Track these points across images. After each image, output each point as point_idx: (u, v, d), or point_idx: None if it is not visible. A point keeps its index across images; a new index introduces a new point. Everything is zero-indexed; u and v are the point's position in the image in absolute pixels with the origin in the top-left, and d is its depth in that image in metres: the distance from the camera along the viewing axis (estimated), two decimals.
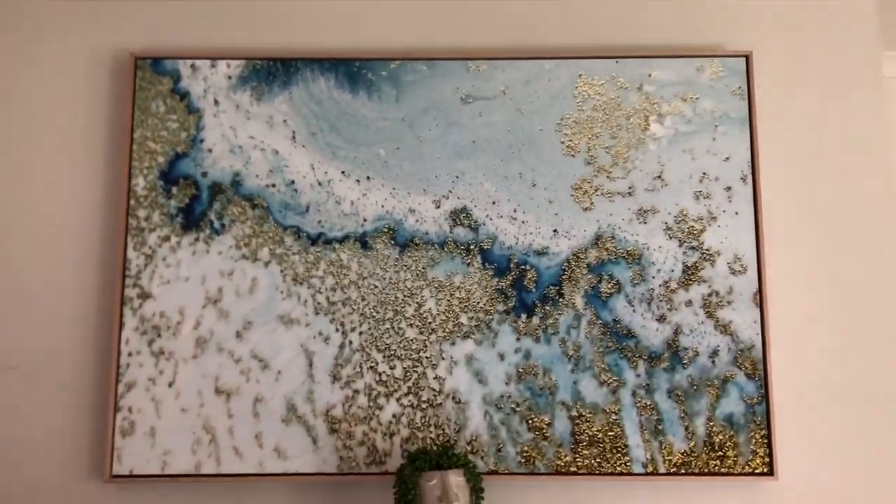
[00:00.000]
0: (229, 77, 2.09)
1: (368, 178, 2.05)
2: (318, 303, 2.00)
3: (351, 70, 2.09)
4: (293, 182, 2.05)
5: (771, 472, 1.90)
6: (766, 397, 1.93)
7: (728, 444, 1.92)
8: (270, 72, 2.09)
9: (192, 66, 2.09)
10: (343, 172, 2.05)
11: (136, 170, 2.04)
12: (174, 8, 2.15)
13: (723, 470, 1.91)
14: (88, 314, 2.01)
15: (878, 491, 1.94)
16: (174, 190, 2.04)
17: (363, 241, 2.02)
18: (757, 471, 1.91)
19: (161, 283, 2.00)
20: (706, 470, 1.91)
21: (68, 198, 2.06)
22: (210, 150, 2.06)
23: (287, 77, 2.09)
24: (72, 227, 2.05)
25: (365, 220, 2.03)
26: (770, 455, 1.91)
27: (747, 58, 2.07)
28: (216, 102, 2.07)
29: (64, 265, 2.03)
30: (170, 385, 1.97)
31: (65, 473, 1.96)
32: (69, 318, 2.01)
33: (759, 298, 1.97)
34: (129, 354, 1.97)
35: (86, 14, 2.15)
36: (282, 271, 2.01)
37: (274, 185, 2.04)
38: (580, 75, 2.08)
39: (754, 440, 1.92)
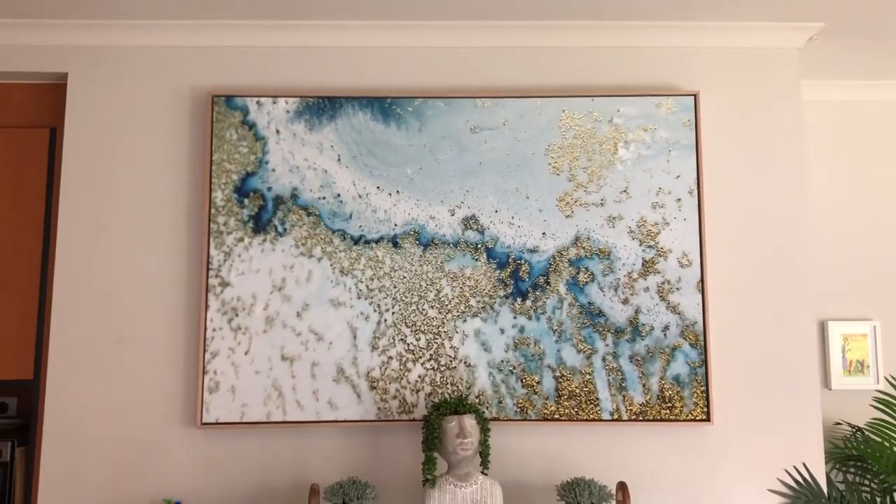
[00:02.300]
0: (287, 111, 2.64)
1: (398, 191, 2.61)
2: (360, 290, 2.56)
3: (384, 106, 2.64)
4: (339, 195, 2.60)
5: (708, 419, 2.50)
6: (705, 362, 2.52)
7: (675, 397, 2.51)
8: (320, 107, 2.64)
9: (258, 102, 2.64)
10: (378, 187, 2.61)
11: (216, 185, 2.60)
12: (242, 54, 2.69)
13: (671, 417, 2.50)
14: (181, 299, 2.57)
15: (779, 433, 2.52)
16: (246, 201, 2.60)
17: (394, 242, 2.58)
18: (697, 418, 2.50)
19: (237, 274, 2.56)
20: (658, 417, 2.50)
21: (162, 208, 2.62)
22: (273, 170, 2.61)
23: (333, 111, 2.64)
24: (166, 231, 2.60)
25: (395, 224, 2.59)
26: (707, 406, 2.50)
27: (695, 96, 2.63)
28: (277, 132, 2.63)
29: (161, 261, 2.59)
30: (245, 353, 2.53)
31: (166, 422, 2.52)
32: (166, 303, 2.57)
33: (702, 286, 2.55)
34: (213, 330, 2.54)
35: (170, 60, 2.68)
36: (331, 265, 2.57)
37: (324, 198, 2.60)
38: (563, 110, 2.64)
39: (696, 395, 2.51)
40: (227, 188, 2.60)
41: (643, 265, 2.57)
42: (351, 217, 2.59)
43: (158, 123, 2.66)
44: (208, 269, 2.56)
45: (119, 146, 2.65)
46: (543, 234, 2.59)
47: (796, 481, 2.49)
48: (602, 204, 2.60)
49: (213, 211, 2.59)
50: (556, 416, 2.51)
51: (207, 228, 2.57)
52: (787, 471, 2.50)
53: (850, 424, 2.87)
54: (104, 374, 2.53)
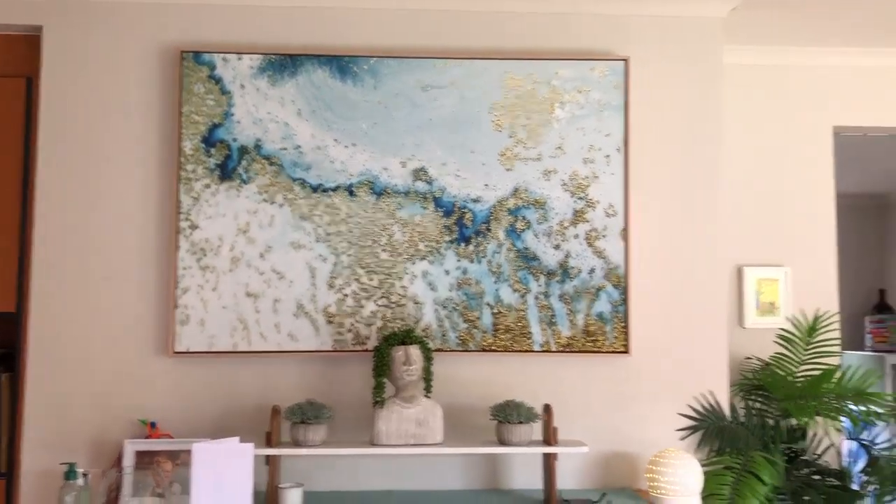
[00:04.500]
0: (251, 67, 2.84)
1: (354, 144, 2.85)
2: (318, 234, 2.82)
3: (342, 64, 2.86)
4: (299, 146, 2.84)
5: (627, 351, 2.82)
6: (625, 301, 2.83)
7: (599, 332, 2.83)
8: (282, 64, 2.85)
9: (224, 58, 2.84)
10: (335, 140, 2.84)
11: (185, 135, 2.81)
12: (210, 12, 2.87)
13: (594, 349, 2.82)
14: (154, 239, 2.81)
15: (690, 365, 2.87)
16: (213, 151, 2.82)
17: (350, 190, 2.83)
18: (617, 350, 2.83)
19: (205, 217, 2.80)
20: (583, 349, 2.82)
21: (135, 156, 2.83)
22: (238, 122, 2.83)
23: (294, 68, 2.85)
24: (140, 177, 2.82)
25: (351, 175, 2.84)
26: (626, 340, 2.82)
27: (626, 61, 2.89)
28: (242, 86, 2.84)
29: (136, 205, 2.82)
30: (213, 290, 2.79)
31: (141, 351, 2.78)
32: (141, 242, 2.81)
33: (625, 234, 2.85)
34: (184, 268, 2.78)
35: (142, 15, 2.87)
36: (292, 211, 2.82)
37: (285, 149, 2.83)
38: (506, 72, 2.88)
39: (616, 330, 2.83)
40: (196, 138, 2.82)
41: (574, 215, 2.86)
42: (310, 167, 2.83)
43: (131, 76, 2.86)
44: (178, 213, 2.79)
45: (94, 97, 2.84)
46: (486, 185, 2.86)
47: (703, 407, 2.84)
48: (539, 159, 2.87)
49: (182, 159, 2.81)
50: (493, 348, 2.81)
51: (177, 175, 2.80)
52: (695, 397, 2.84)
53: (758, 358, 3.22)
54: (84, 306, 2.78)
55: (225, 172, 2.82)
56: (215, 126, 2.83)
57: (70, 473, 2.42)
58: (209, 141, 2.82)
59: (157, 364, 2.79)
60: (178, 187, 2.80)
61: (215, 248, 2.80)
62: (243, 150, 2.82)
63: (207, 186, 2.81)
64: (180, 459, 2.57)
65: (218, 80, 2.84)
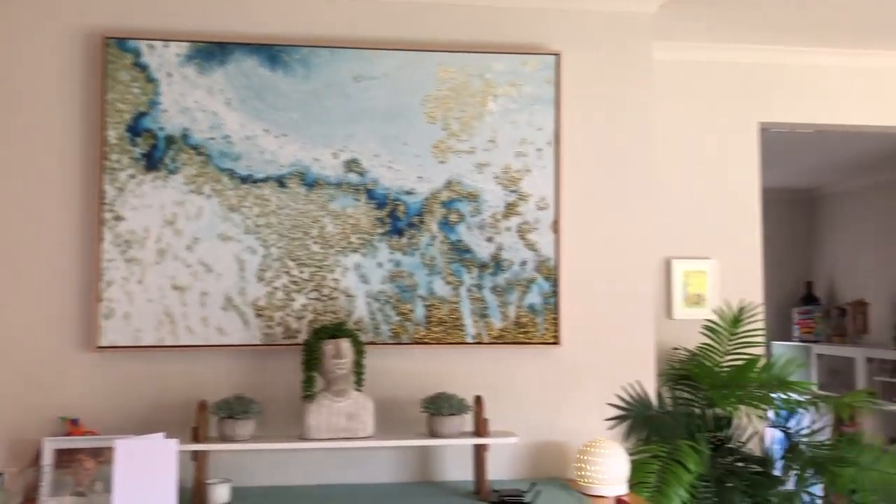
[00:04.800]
0: (179, 55, 2.78)
1: (285, 134, 2.80)
2: (248, 225, 2.77)
3: (272, 53, 2.81)
4: (228, 136, 2.78)
5: (557, 342, 2.85)
6: (556, 293, 2.86)
7: (530, 323, 2.85)
8: (210, 52, 2.79)
9: (150, 45, 2.77)
10: (265, 130, 2.80)
11: (109, 124, 2.73)
12: None
13: (526, 340, 2.85)
14: (76, 231, 2.73)
15: (618, 355, 2.92)
16: (138, 140, 2.75)
17: (280, 182, 2.79)
18: (548, 341, 2.86)
19: (130, 208, 2.73)
20: (515, 340, 2.84)
21: (56, 145, 2.74)
22: (165, 111, 2.76)
23: (223, 56, 2.80)
24: (61, 167, 2.73)
25: (282, 165, 2.80)
26: (556, 331, 2.85)
27: (558, 56, 2.91)
28: (169, 74, 2.77)
29: (57, 196, 2.73)
30: (139, 283, 2.72)
31: (64, 345, 2.70)
32: (64, 235, 2.72)
33: (556, 226, 2.88)
34: (108, 261, 2.71)
35: (63, 1, 2.77)
36: (220, 202, 2.77)
37: (214, 138, 2.78)
38: (440, 64, 2.87)
39: (547, 321, 2.86)
40: (120, 127, 2.74)
41: (506, 207, 2.87)
42: (239, 157, 2.78)
43: (52, 62, 2.76)
44: (102, 204, 2.71)
45: (12, 83, 2.74)
46: (419, 177, 2.85)
47: (631, 396, 2.89)
48: (472, 152, 2.87)
49: (106, 149, 2.73)
50: (426, 341, 2.81)
51: (101, 165, 2.72)
52: (623, 387, 2.89)
53: (685, 349, 3.29)
54: (2, 299, 2.68)
55: (151, 162, 2.75)
56: (141, 115, 2.75)
57: None
58: (135, 130, 2.75)
59: (81, 359, 2.71)
60: (103, 177, 2.72)
61: (141, 240, 2.73)
62: (170, 140, 2.76)
63: (133, 177, 2.74)
64: (103, 457, 2.50)
65: (144, 68, 2.76)
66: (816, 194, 6.59)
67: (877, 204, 5.84)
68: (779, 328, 6.32)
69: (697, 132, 3.48)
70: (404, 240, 2.83)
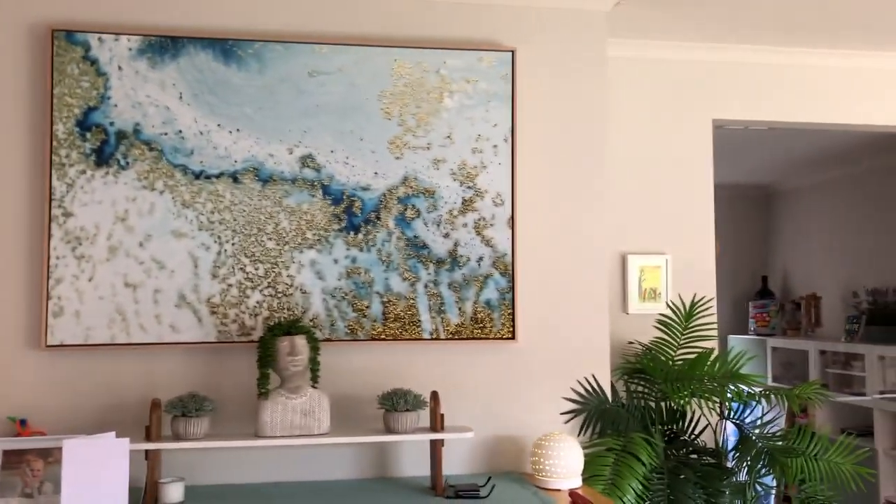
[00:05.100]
0: (129, 49, 2.73)
1: (238, 129, 2.78)
2: (201, 222, 2.74)
3: (225, 47, 2.78)
4: (181, 131, 2.75)
5: (514, 338, 2.87)
6: (512, 289, 2.88)
7: (487, 319, 2.87)
8: (162, 46, 2.75)
9: (100, 38, 2.72)
10: (219, 125, 2.77)
11: (57, 119, 2.68)
12: None
13: (483, 336, 2.86)
14: (23, 228, 2.67)
15: (574, 350, 2.94)
16: (88, 135, 2.70)
17: (234, 177, 2.76)
18: (505, 336, 2.87)
19: (80, 205, 2.68)
20: (471, 336, 2.85)
21: (2, 141, 2.67)
22: (116, 105, 2.72)
23: (175, 50, 2.76)
24: (7, 162, 2.67)
25: (236, 161, 2.77)
26: (513, 326, 2.87)
27: (513, 52, 2.93)
28: (120, 68, 2.72)
29: (3, 193, 2.66)
30: (89, 280, 2.67)
31: (11, 344, 2.65)
32: (10, 231, 2.66)
33: (512, 222, 2.89)
34: (57, 258, 2.66)
35: None
36: (173, 198, 2.73)
37: (166, 133, 2.74)
38: (395, 60, 2.87)
39: (504, 317, 2.87)
40: (69, 122, 2.69)
41: (463, 203, 2.88)
42: (192, 153, 2.75)
43: None
44: (51, 200, 2.66)
45: None
46: (375, 173, 2.84)
47: (585, 390, 2.92)
48: (428, 148, 2.87)
49: (54, 144, 2.67)
50: (383, 337, 2.81)
51: (49, 161, 2.67)
52: (578, 381, 2.91)
53: (640, 343, 3.33)
54: None
55: (101, 158, 2.70)
56: (91, 109, 2.70)
57: None
58: (84, 125, 2.70)
59: (29, 358, 2.66)
60: (51, 173, 2.67)
61: (91, 237, 2.68)
62: (121, 135, 2.71)
63: (83, 172, 2.69)
64: (53, 458, 2.45)
65: (94, 62, 2.71)
66: (770, 190, 6.72)
67: (829, 200, 5.97)
68: (735, 322, 6.43)
69: (652, 129, 3.52)
70: (360, 236, 2.82)
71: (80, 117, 2.69)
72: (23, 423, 2.56)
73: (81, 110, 2.70)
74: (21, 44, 2.71)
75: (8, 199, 2.67)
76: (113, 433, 2.37)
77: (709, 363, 2.98)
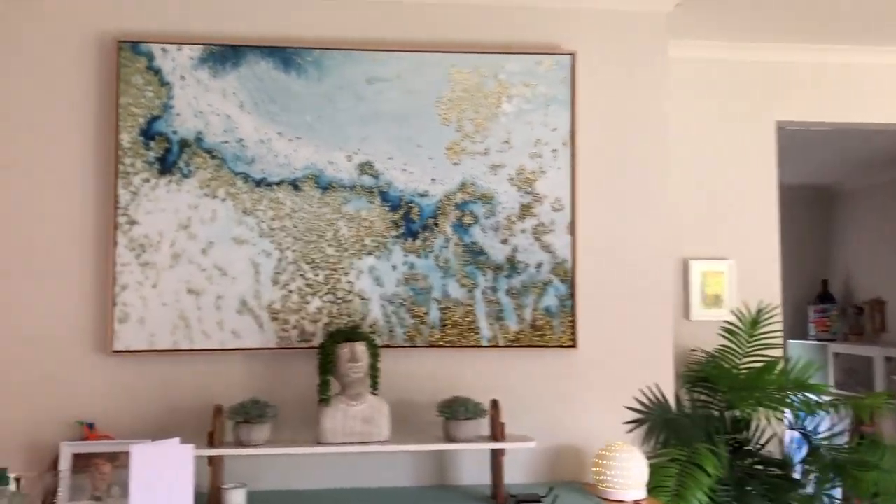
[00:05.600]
0: (192, 58, 2.77)
1: (298, 137, 2.79)
2: (262, 229, 2.76)
3: (285, 55, 2.80)
4: (242, 139, 2.77)
5: (574, 345, 2.83)
6: (572, 295, 2.84)
7: (546, 326, 2.83)
8: (224, 55, 2.78)
9: (164, 49, 2.76)
10: (279, 133, 2.79)
11: (122, 128, 2.73)
12: (147, 1, 2.79)
13: (542, 343, 2.83)
14: (91, 235, 2.72)
15: (636, 358, 2.89)
16: (152, 144, 2.74)
17: (294, 185, 2.78)
18: (564, 344, 2.83)
19: (145, 212, 2.72)
20: (530, 343, 2.82)
21: (71, 149, 2.74)
22: (178, 114, 2.75)
23: (236, 59, 2.79)
24: (75, 171, 2.73)
25: (296, 168, 2.79)
26: (573, 333, 2.83)
27: (573, 55, 2.89)
28: (182, 77, 2.76)
29: (72, 199, 2.73)
30: (153, 287, 2.72)
31: (79, 349, 2.70)
32: (78, 239, 2.72)
33: (572, 228, 2.85)
34: (122, 265, 2.71)
35: (77, 3, 2.77)
36: (234, 205, 2.76)
37: (227, 142, 2.77)
38: (453, 65, 2.85)
39: (564, 324, 2.83)
40: (134, 131, 2.73)
41: (521, 209, 2.85)
42: (253, 161, 2.77)
43: (66, 66, 2.76)
44: (116, 208, 2.71)
45: (27, 88, 2.74)
46: (433, 179, 2.83)
47: (649, 399, 2.86)
48: (486, 153, 2.85)
49: (120, 153, 2.72)
50: (441, 344, 2.80)
51: (115, 169, 2.71)
52: (641, 390, 2.86)
53: (703, 351, 3.26)
54: (19, 304, 2.68)
55: (165, 166, 2.74)
56: (154, 118, 2.75)
57: (1, 478, 2.33)
58: (148, 134, 2.74)
59: (96, 363, 2.71)
60: (117, 181, 2.72)
61: (155, 244, 2.72)
62: (184, 144, 2.75)
63: (147, 181, 2.73)
64: (119, 461, 2.50)
65: (157, 72, 2.75)
66: (832, 191, 6.52)
67: (893, 201, 5.77)
68: (795, 326, 6.25)
69: (714, 131, 3.44)
70: (418, 242, 2.81)
71: (144, 126, 2.74)
72: (91, 426, 2.61)
73: (145, 119, 2.74)
74: (88, 55, 2.77)
75: (75, 208, 2.73)
76: (177, 439, 2.39)
77: (776, 372, 2.90)
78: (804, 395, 2.93)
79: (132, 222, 2.72)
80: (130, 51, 2.74)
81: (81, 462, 2.52)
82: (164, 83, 2.75)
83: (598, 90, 2.93)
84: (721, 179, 3.43)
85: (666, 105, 2.99)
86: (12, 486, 2.36)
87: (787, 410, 2.98)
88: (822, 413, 3.08)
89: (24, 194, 2.72)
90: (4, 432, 2.63)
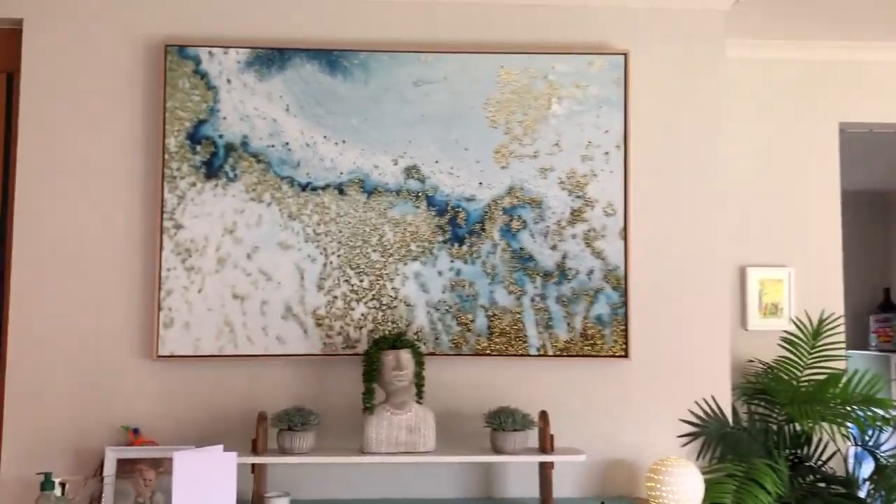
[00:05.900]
0: (238, 62, 2.75)
1: (344, 141, 2.75)
2: (307, 234, 2.73)
3: (331, 58, 2.77)
4: (287, 143, 2.75)
5: (626, 355, 2.73)
6: (625, 304, 2.74)
7: (597, 335, 2.74)
8: (270, 58, 2.76)
9: (210, 52, 2.75)
10: (325, 136, 2.75)
11: (169, 132, 2.72)
12: (195, 4, 2.79)
13: (592, 353, 2.73)
14: (137, 239, 2.72)
15: (691, 369, 2.78)
16: (198, 148, 2.73)
17: (340, 189, 2.74)
18: (616, 354, 2.74)
19: (190, 217, 2.71)
20: (581, 353, 2.73)
21: (118, 152, 2.74)
22: (225, 118, 2.74)
23: (282, 62, 2.76)
24: (122, 175, 2.74)
25: (341, 172, 2.75)
26: (626, 343, 2.73)
27: (625, 55, 2.80)
28: (228, 81, 2.75)
29: (118, 203, 2.73)
30: (199, 292, 2.70)
31: (124, 354, 2.70)
32: (123, 242, 2.72)
33: (625, 234, 2.76)
34: (168, 269, 2.69)
35: (125, 8, 2.78)
36: (280, 210, 2.73)
37: (273, 146, 2.74)
38: (501, 66, 2.79)
39: (616, 333, 2.74)
40: (180, 135, 2.73)
41: (571, 214, 2.76)
42: (299, 165, 2.74)
43: (114, 70, 2.77)
44: (162, 212, 2.70)
45: (76, 92, 2.75)
46: (480, 183, 2.77)
47: (704, 412, 2.75)
48: (535, 156, 2.77)
49: (166, 156, 2.71)
50: (488, 352, 2.72)
51: (161, 173, 2.71)
52: (696, 402, 2.75)
53: (761, 361, 3.12)
54: (65, 308, 2.69)
55: (211, 170, 2.73)
56: (201, 122, 2.73)
57: (46, 483, 2.32)
58: (194, 138, 2.73)
59: (141, 368, 2.70)
60: (163, 185, 2.71)
61: (201, 249, 2.71)
62: (230, 148, 2.73)
63: (193, 185, 2.72)
64: (163, 467, 2.48)
65: (203, 75, 2.74)
66: (893, 196, 6.28)
67: None
68: (855, 336, 6.01)
69: (773, 133, 3.30)
70: (465, 248, 2.75)
71: (190, 130, 2.73)
72: (136, 432, 2.60)
73: (192, 123, 2.73)
74: (136, 59, 2.77)
75: (122, 211, 2.73)
76: (220, 446, 2.36)
77: (840, 385, 2.75)
78: (871, 410, 2.78)
79: (178, 226, 2.71)
80: (177, 54, 2.74)
81: (126, 467, 2.50)
82: (210, 87, 2.74)
83: (652, 91, 2.84)
84: (780, 183, 3.29)
85: (722, 106, 2.88)
86: (57, 491, 2.36)
87: (851, 425, 2.84)
88: (890, 429, 2.93)
89: (71, 199, 2.73)
90: (50, 437, 2.64)
